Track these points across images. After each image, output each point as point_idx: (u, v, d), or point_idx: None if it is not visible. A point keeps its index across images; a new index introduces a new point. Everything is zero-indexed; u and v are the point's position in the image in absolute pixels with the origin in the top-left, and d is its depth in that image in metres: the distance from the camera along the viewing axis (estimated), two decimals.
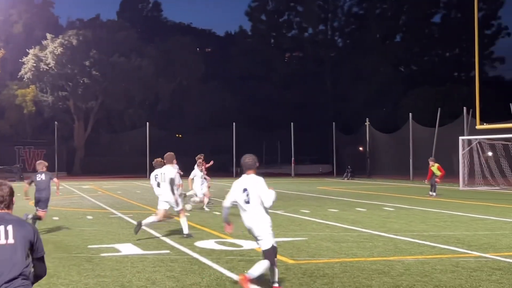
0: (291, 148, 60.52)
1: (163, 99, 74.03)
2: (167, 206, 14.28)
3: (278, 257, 10.99)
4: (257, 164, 8.76)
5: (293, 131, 60.15)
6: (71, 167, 68.01)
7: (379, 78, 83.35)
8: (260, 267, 8.31)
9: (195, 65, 75.25)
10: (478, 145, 36.28)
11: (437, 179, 28.35)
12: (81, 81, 64.02)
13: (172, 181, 14.10)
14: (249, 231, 8.57)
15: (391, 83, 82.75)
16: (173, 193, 14.10)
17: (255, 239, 8.54)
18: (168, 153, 14.93)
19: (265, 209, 8.41)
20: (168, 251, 11.89)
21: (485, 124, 35.03)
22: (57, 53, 63.12)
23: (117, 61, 65.96)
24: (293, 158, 60.11)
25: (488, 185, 35.37)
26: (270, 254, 8.37)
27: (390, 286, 8.57)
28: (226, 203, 8.82)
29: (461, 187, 34.60)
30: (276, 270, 8.42)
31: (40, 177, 14.82)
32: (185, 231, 13.97)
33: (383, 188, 35.41)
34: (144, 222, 13.87)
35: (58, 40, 63.96)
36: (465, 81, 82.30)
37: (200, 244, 12.79)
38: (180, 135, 76.17)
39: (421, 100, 69.07)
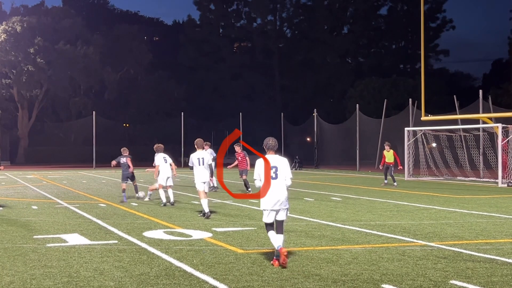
0: (239, 138, 60.55)
1: (109, 88, 73.07)
2: (202, 187, 15.76)
3: (227, 246, 11.01)
4: (277, 146, 9.87)
5: (242, 121, 60.16)
6: (14, 156, 66.59)
7: (326, 69, 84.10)
8: (282, 238, 9.52)
9: (142, 54, 74.48)
10: (423, 136, 36.98)
11: (400, 167, 28.94)
12: (25, 69, 62.63)
13: (210, 165, 15.99)
14: (275, 203, 9.49)
15: (338, 75, 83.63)
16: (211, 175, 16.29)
17: (276, 211, 9.53)
18: (198, 139, 16.49)
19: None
20: (116, 241, 11.75)
21: (430, 115, 35.70)
22: (0, 39, 61.53)
23: (62, 48, 64.75)
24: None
25: (432, 176, 36.09)
26: (284, 224, 9.75)
27: (339, 275, 8.66)
28: (258, 183, 9.72)
29: (406, 178, 35.21)
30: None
31: None
32: (206, 210, 15.48)
33: (330, 178, 35.78)
34: (207, 211, 15.36)
35: (2, 27, 62.44)
36: (410, 73, 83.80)
37: (148, 234, 12.68)
38: (127, 125, 75.34)
39: (368, 91, 70.02)
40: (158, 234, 12.72)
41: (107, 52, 70.80)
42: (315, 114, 56.94)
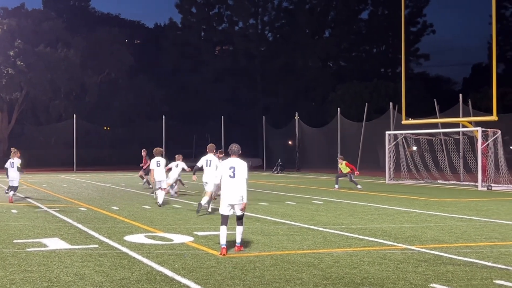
0: (222, 141, 60.44)
1: (90, 91, 72.60)
2: (211, 187, 17.44)
3: (209, 250, 10.99)
4: (240, 152, 11.36)
5: (223, 125, 60.09)
6: None
7: (308, 73, 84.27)
8: (241, 233, 11.07)
9: (123, 57, 74.08)
10: (403, 140, 37.18)
11: (356, 172, 29.24)
12: (5, 72, 62.05)
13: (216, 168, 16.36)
14: (231, 199, 10.88)
15: (320, 78, 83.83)
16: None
17: (232, 206, 10.91)
18: (210, 144, 18.51)
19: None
20: (96, 246, 11.68)
21: (410, 119, 35.93)
22: None
23: (42, 51, 64.25)
24: (223, 152, 60.07)
25: (413, 179, 36.31)
26: (243, 218, 11.09)
27: (320, 278, 8.68)
28: (217, 180, 11.39)
29: (387, 181, 35.39)
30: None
31: None
32: (209, 209, 17.57)
33: (312, 182, 35.85)
34: (204, 203, 17.11)
35: None
36: (391, 77, 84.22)
37: (129, 238, 12.63)
38: (108, 128, 74.94)
39: (349, 95, 70.23)
40: (139, 238, 12.67)
41: (87, 55, 70.37)
42: (296, 117, 57.04)
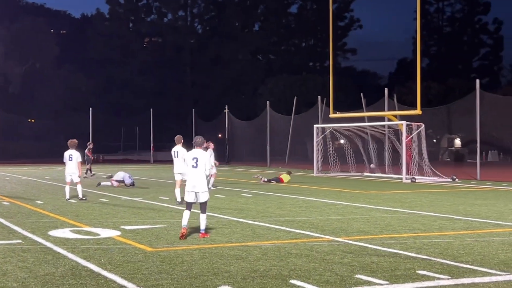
0: (150, 134, 59.86)
1: (13, 82, 70.53)
2: (180, 177, 18.07)
3: (136, 245, 10.88)
4: (205, 144, 12.50)
5: (152, 117, 59.49)
6: None
7: (238, 66, 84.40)
8: (205, 220, 11.81)
9: (48, 47, 72.31)
10: (331, 133, 37.72)
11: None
12: None
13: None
14: (193, 187, 11.71)
15: (249, 71, 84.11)
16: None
17: (195, 194, 11.70)
18: (178, 135, 18.93)
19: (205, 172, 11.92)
20: (19, 241, 11.38)
21: (338, 112, 36.51)
22: None
23: None
24: (152, 145, 59.48)
25: (340, 172, 36.89)
26: (206, 205, 11.85)
27: (248, 271, 8.71)
28: (186, 170, 12.27)
29: (315, 173, 35.85)
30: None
31: None
32: (178, 199, 18.00)
33: (241, 175, 35.96)
34: (178, 197, 17.85)
35: None
36: (320, 71, 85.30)
37: (54, 233, 12.35)
38: (33, 120, 73.03)
39: (278, 88, 70.74)
40: (64, 233, 12.41)
41: (11, 45, 68.33)
42: (226, 110, 57.06)
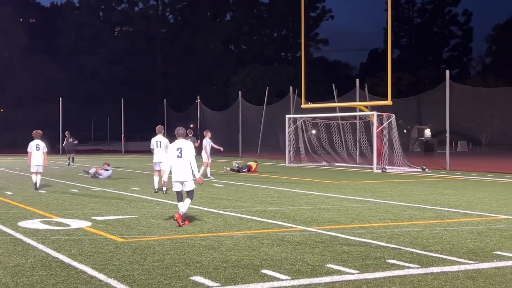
0: (121, 125, 59.46)
1: None
2: (158, 166, 18.70)
3: (107, 235, 10.81)
4: (186, 134, 12.83)
5: (123, 108, 59.07)
6: None
7: (209, 56, 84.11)
8: (187, 204, 12.08)
9: (17, 36, 71.25)
10: (303, 123, 37.84)
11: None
12: None
13: (166, 147, 18.08)
14: (179, 177, 12.06)
15: (221, 61, 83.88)
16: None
17: (181, 183, 12.10)
18: (159, 125, 19.39)
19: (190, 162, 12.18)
20: None
21: (309, 103, 36.61)
22: None
23: None
24: (123, 135, 59.11)
25: (312, 162, 37.05)
26: (193, 193, 12.27)
27: (220, 261, 8.71)
28: (168, 161, 12.60)
29: (287, 164, 35.95)
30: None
31: None
32: (155, 186, 18.87)
33: (214, 165, 35.85)
34: (156, 185, 18.70)
35: None
36: (291, 61, 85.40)
37: (23, 224, 12.22)
38: (1, 110, 72.03)
39: (250, 78, 70.70)
40: (34, 224, 12.29)
41: None
42: (198, 100, 56.88)
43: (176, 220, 11.89)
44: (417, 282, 7.51)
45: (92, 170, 25.16)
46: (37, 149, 19.79)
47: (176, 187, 12.21)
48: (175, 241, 10.32)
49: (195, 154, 12.35)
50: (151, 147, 19.04)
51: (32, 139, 20.05)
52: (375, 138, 31.38)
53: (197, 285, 7.39)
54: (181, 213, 11.94)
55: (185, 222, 11.99)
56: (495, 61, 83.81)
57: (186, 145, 12.26)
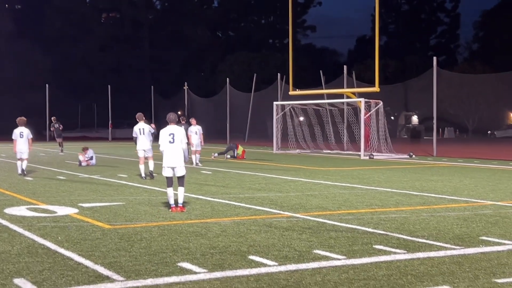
0: (109, 111, 59.20)
1: None
2: (143, 154, 19.06)
3: (94, 222, 10.78)
4: (177, 119, 13.01)
5: (110, 94, 58.79)
6: None
7: (197, 42, 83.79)
8: (183, 193, 12.17)
9: (3, 23, 70.61)
10: (291, 110, 37.83)
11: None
12: None
13: (149, 134, 19.00)
14: (170, 162, 12.14)
15: (209, 48, 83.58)
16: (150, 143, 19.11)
17: (172, 169, 12.14)
18: (139, 113, 19.30)
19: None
20: None
21: (297, 90, 36.59)
22: None
23: None
24: (110, 122, 58.88)
25: (299, 149, 37.07)
26: (184, 179, 12.26)
27: (207, 248, 8.71)
28: (161, 148, 12.39)
29: (274, 151, 35.97)
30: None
31: None
32: (142, 174, 19.03)
33: (201, 152, 35.81)
34: (143, 173, 18.93)
35: None
36: (279, 48, 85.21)
37: (10, 210, 12.16)
38: None
39: (238, 65, 70.53)
40: (20, 210, 12.23)
41: None
42: (185, 87, 56.72)
43: (173, 212, 11.95)
44: (404, 267, 7.55)
45: (80, 158, 25.00)
46: (21, 136, 20.01)
47: (167, 172, 12.26)
48: (162, 227, 10.31)
49: (186, 141, 12.50)
50: (134, 135, 19.12)
51: (16, 126, 20.11)
52: (363, 125, 31.44)
53: (185, 271, 7.39)
54: (180, 205, 12.10)
55: (183, 208, 12.12)
56: (482, 48, 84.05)
57: (178, 130, 12.35)
